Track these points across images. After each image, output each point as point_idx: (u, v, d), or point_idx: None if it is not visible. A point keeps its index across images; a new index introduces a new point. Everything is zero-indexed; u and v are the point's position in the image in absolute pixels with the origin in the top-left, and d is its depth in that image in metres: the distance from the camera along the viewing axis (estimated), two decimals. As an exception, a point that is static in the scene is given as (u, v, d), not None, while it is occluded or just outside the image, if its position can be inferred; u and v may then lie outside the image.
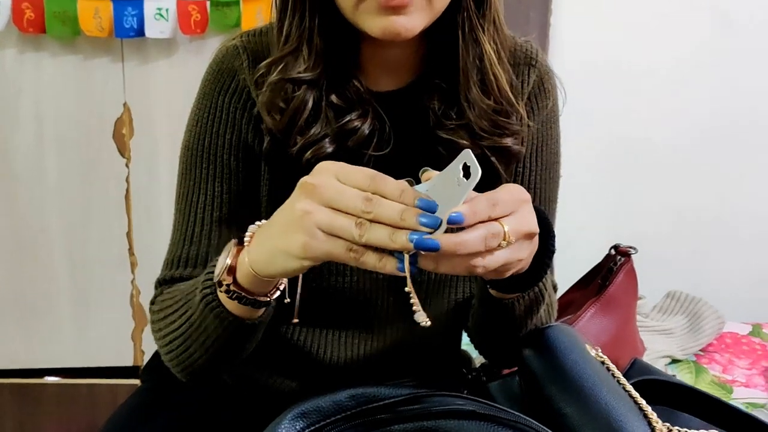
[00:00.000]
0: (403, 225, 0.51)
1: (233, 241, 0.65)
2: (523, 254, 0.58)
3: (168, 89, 1.57)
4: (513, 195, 0.57)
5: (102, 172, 1.60)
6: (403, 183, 0.54)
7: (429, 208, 0.52)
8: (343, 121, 0.72)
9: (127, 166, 1.61)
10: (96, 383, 1.72)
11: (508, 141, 0.74)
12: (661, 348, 1.23)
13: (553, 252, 0.68)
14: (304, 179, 0.56)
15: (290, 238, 0.55)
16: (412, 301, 0.54)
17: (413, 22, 0.66)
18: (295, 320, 0.68)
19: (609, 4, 1.60)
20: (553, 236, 0.68)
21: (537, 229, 0.58)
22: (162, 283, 0.80)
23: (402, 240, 0.51)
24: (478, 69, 0.72)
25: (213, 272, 0.66)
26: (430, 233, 0.51)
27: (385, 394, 0.57)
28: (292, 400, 0.66)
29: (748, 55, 1.61)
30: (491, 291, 0.72)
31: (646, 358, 1.18)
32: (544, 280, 0.72)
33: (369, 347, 0.81)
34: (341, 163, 0.56)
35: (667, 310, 1.38)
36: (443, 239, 0.51)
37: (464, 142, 0.73)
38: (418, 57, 0.76)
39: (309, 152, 0.72)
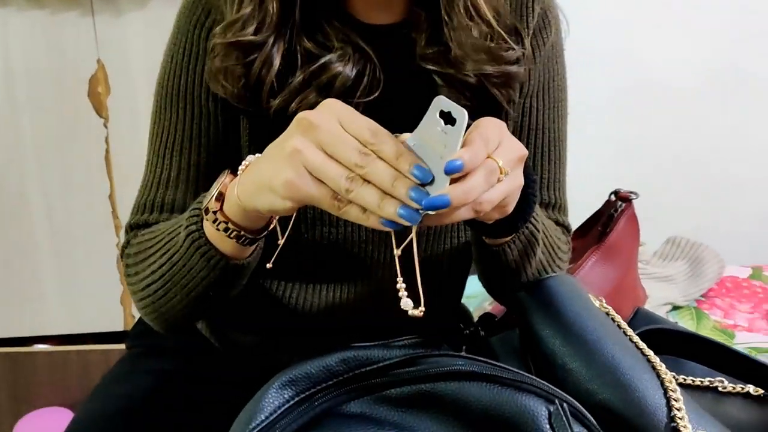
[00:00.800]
0: (393, 193, 0.49)
1: (226, 171, 0.62)
2: (520, 180, 0.57)
3: (143, 43, 1.50)
4: (494, 126, 0.54)
5: (80, 133, 1.55)
6: (401, 147, 0.51)
7: (424, 178, 0.49)
8: (318, 65, 0.68)
9: (105, 126, 1.55)
10: (87, 349, 1.69)
11: (491, 67, 0.70)
12: (662, 295, 1.21)
13: (535, 186, 0.65)
14: (304, 113, 0.52)
15: (276, 173, 0.52)
16: (398, 286, 0.52)
17: None
18: (269, 265, 0.64)
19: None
20: (530, 170, 0.64)
21: (525, 150, 0.57)
22: (134, 227, 0.75)
23: (390, 211, 0.49)
24: None
25: (198, 208, 0.63)
26: (417, 210, 0.49)
27: (379, 357, 0.53)
28: (282, 361, 0.64)
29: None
30: (484, 239, 0.70)
31: (648, 306, 1.15)
32: (535, 221, 0.69)
33: (365, 301, 0.78)
34: (348, 106, 0.52)
35: (668, 256, 1.36)
36: (452, 192, 0.49)
37: (449, 71, 0.70)
38: None
39: (293, 104, 0.68)
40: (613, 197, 1.05)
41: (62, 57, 1.49)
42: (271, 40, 0.67)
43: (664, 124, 1.67)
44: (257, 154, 0.60)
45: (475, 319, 0.94)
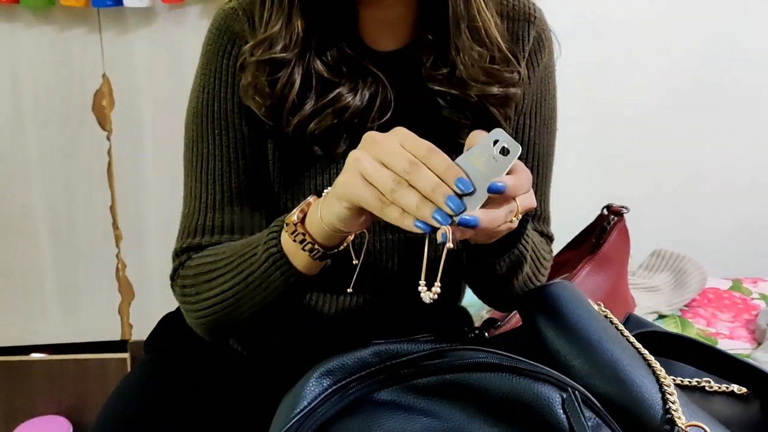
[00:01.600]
0: (432, 198, 0.54)
1: (313, 195, 0.67)
2: (516, 223, 0.62)
3: (148, 59, 1.54)
4: (529, 174, 0.60)
5: (83, 145, 1.58)
6: (452, 162, 0.56)
7: (465, 189, 0.55)
8: (331, 97, 0.72)
9: (108, 138, 1.59)
10: (84, 358, 1.71)
11: (496, 88, 0.75)
12: (648, 304, 1.27)
13: (527, 220, 0.72)
14: (371, 133, 0.59)
15: (340, 178, 0.59)
16: (422, 279, 0.57)
17: None
18: (350, 290, 0.70)
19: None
20: None
21: (535, 204, 0.63)
22: (185, 251, 0.79)
23: (425, 213, 0.54)
24: (467, 16, 0.73)
25: (276, 230, 0.67)
26: (451, 216, 0.54)
27: (408, 350, 0.58)
28: (298, 361, 0.67)
29: (725, 20, 1.64)
30: (474, 254, 0.74)
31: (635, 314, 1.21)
32: (525, 242, 0.74)
33: (374, 306, 0.83)
34: (412, 134, 0.58)
35: (653, 268, 1.42)
36: (482, 216, 0.55)
37: (453, 91, 0.75)
38: (416, 14, 0.76)
39: (312, 125, 0.73)
40: (605, 211, 1.11)
41: (68, 71, 1.53)
42: (294, 60, 0.72)
43: (649, 144, 1.72)
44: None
45: (477, 324, 0.99)
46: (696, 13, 1.64)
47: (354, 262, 0.68)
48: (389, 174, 0.55)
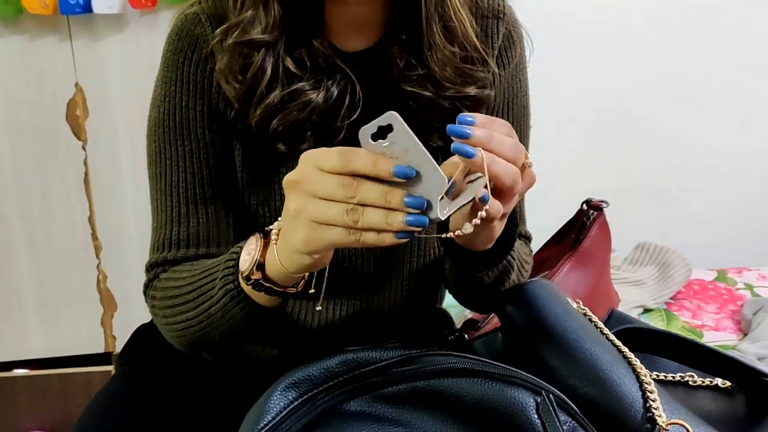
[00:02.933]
0: (390, 206, 0.52)
1: (257, 235, 0.64)
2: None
3: (121, 66, 1.52)
4: (501, 120, 0.58)
5: (58, 156, 1.55)
6: (373, 155, 0.53)
7: (406, 174, 0.52)
8: (292, 89, 0.71)
9: (83, 148, 1.56)
10: (67, 372, 1.68)
11: (472, 90, 0.73)
12: (633, 298, 1.26)
13: (516, 226, 0.70)
14: (287, 177, 0.56)
15: (294, 236, 0.56)
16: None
17: None
18: (318, 308, 0.69)
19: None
20: (515, 212, 0.69)
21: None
22: (155, 266, 0.78)
23: (398, 223, 0.52)
24: (441, 15, 0.71)
25: (232, 266, 0.65)
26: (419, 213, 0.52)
27: (376, 357, 0.56)
28: (274, 369, 0.66)
29: (705, 22, 1.64)
30: (460, 268, 0.73)
31: (620, 309, 1.20)
32: (512, 252, 0.73)
33: (351, 311, 0.81)
34: (318, 149, 0.55)
35: (638, 261, 1.41)
36: (476, 133, 0.54)
37: (428, 93, 0.73)
38: (385, 13, 0.75)
39: (275, 121, 0.71)
40: (584, 206, 1.10)
41: (40, 81, 1.50)
42: (269, 45, 0.70)
43: (630, 137, 1.72)
44: (279, 220, 0.62)
45: (458, 325, 0.98)
46: (674, 8, 1.64)
47: (311, 291, 0.65)
48: (338, 207, 0.52)
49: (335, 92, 0.73)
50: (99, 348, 1.70)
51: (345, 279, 0.79)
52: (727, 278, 1.44)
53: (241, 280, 0.65)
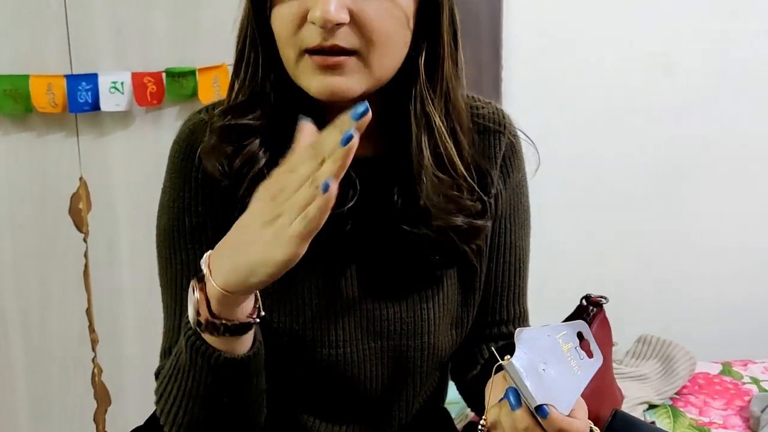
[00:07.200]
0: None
1: (193, 281, 0.64)
2: None
3: (126, 161, 1.55)
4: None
5: (59, 248, 1.56)
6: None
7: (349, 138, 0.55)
8: None
9: (84, 240, 1.57)
10: (57, 469, 1.63)
11: (458, 220, 0.73)
12: (637, 394, 1.23)
13: None
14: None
15: (274, 255, 0.58)
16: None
17: (350, 83, 0.66)
18: (256, 318, 0.67)
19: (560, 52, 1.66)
20: None
21: None
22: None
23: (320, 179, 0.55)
24: (429, 142, 0.71)
25: (188, 322, 0.65)
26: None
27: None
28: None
29: (694, 101, 1.68)
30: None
31: (625, 406, 1.18)
32: None
33: (362, 413, 0.81)
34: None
35: (640, 355, 1.39)
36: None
37: (417, 231, 0.72)
38: (376, 126, 0.75)
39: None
40: (584, 302, 1.09)
41: (45, 174, 1.53)
42: (262, 134, 0.71)
43: (628, 227, 1.73)
44: (209, 252, 0.63)
45: (458, 423, 0.96)
46: (662, 106, 1.68)
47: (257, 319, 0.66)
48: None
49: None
50: (91, 443, 1.66)
51: (351, 384, 0.78)
52: (733, 372, 1.41)
53: (200, 330, 0.64)
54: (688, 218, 1.73)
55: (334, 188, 0.55)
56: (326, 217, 0.56)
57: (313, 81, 0.66)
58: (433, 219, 0.72)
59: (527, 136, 0.83)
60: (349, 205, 0.73)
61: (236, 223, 0.62)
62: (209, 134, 0.72)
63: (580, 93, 1.67)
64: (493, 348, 0.63)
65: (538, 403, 0.58)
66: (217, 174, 0.71)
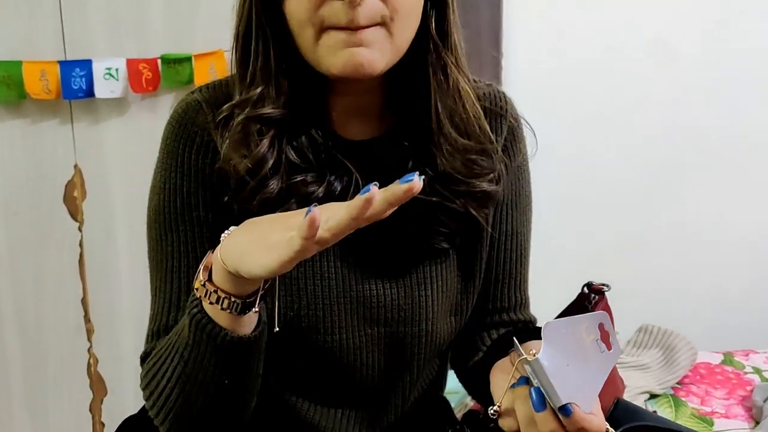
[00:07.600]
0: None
1: (210, 251, 0.64)
2: None
3: (121, 148, 1.53)
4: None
5: (54, 237, 1.55)
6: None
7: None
8: (295, 182, 0.70)
9: (80, 229, 1.55)
10: (52, 461, 1.62)
11: (484, 184, 0.72)
12: (639, 384, 1.22)
13: None
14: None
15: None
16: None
17: (374, 55, 0.65)
18: (276, 328, 0.66)
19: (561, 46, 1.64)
20: None
21: None
22: (149, 355, 0.74)
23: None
24: (452, 108, 0.71)
25: (194, 297, 0.64)
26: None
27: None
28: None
29: (691, 92, 1.67)
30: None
31: (626, 395, 1.16)
32: None
33: (358, 402, 0.79)
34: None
35: (641, 345, 1.38)
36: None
37: (434, 199, 0.71)
38: (385, 105, 0.75)
39: (278, 211, 0.69)
40: (586, 290, 1.07)
41: (40, 162, 1.51)
42: (274, 128, 0.69)
43: (627, 214, 1.72)
44: (232, 228, 0.63)
45: (458, 413, 0.94)
46: (661, 98, 1.67)
47: (275, 330, 0.65)
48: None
49: (338, 187, 0.72)
50: (87, 434, 1.65)
51: (348, 371, 0.77)
52: (734, 362, 1.40)
53: (202, 300, 0.63)
54: (690, 208, 1.72)
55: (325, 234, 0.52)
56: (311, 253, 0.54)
57: (337, 57, 0.64)
58: (457, 186, 0.71)
59: (527, 122, 0.81)
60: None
61: (273, 215, 0.62)
62: (232, 131, 0.70)
63: (579, 85, 1.66)
64: (514, 339, 0.60)
65: (563, 403, 0.56)
66: (241, 171, 0.69)
